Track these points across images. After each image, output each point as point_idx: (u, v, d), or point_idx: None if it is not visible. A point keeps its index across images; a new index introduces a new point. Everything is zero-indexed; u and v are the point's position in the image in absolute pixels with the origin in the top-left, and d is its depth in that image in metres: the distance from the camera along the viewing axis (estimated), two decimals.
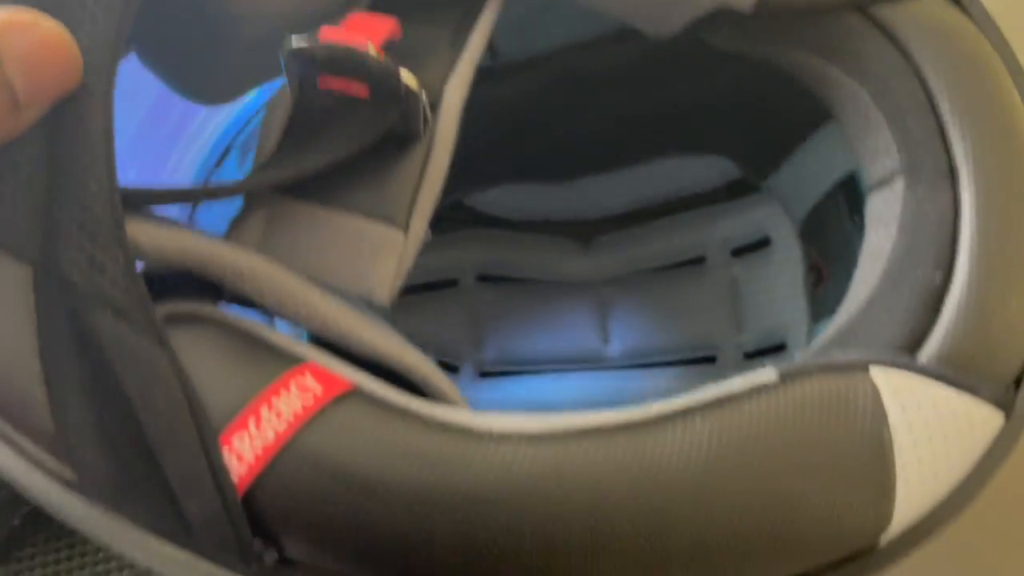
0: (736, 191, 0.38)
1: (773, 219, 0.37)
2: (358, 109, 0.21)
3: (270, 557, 0.17)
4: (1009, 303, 0.20)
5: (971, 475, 0.20)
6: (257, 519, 0.17)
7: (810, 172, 0.33)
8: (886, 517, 0.19)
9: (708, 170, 0.38)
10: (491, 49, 0.34)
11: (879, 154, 0.24)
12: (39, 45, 0.15)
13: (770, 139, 0.34)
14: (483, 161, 0.38)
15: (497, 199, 0.40)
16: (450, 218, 0.40)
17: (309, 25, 0.22)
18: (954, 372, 0.20)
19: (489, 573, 0.17)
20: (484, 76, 0.35)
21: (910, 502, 0.19)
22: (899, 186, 0.23)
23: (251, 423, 0.17)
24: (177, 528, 0.17)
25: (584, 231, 0.41)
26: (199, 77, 0.24)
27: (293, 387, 0.18)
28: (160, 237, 0.18)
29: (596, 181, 0.40)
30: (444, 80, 0.23)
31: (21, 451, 0.17)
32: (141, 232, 0.18)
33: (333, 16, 0.23)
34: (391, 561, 0.17)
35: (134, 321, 0.16)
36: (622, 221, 0.41)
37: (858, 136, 0.25)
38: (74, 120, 0.16)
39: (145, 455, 0.16)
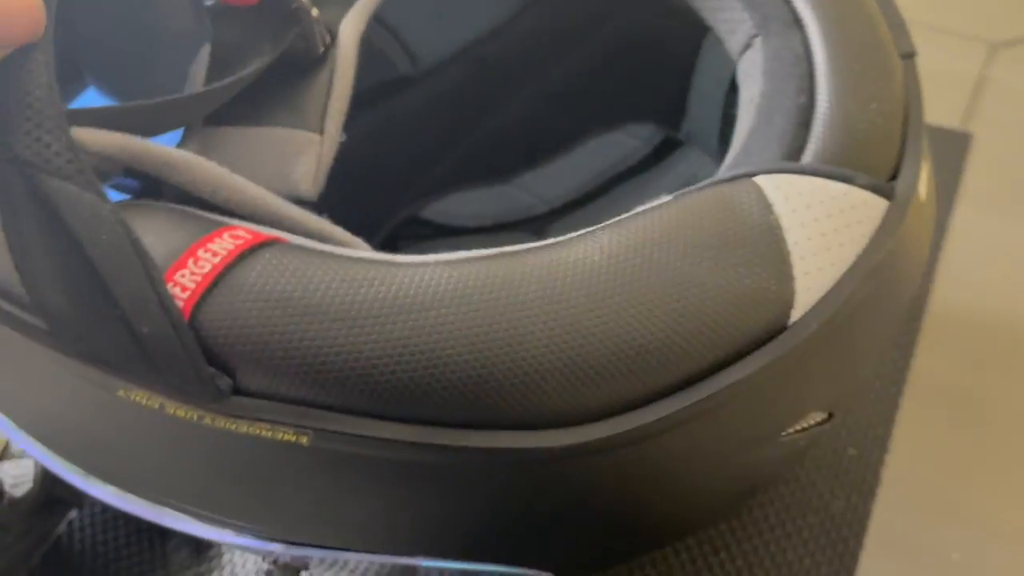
0: (664, 152, 0.41)
1: (698, 162, 0.40)
2: (261, 37, 0.25)
3: (224, 383, 0.19)
4: (868, 107, 0.23)
5: (867, 255, 0.22)
6: (208, 350, 0.19)
7: (706, 95, 0.36)
8: (789, 293, 0.21)
9: (634, 139, 0.41)
10: (410, 58, 0.38)
11: (735, 24, 0.27)
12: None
13: (667, 85, 0.37)
14: (426, 170, 0.41)
15: (449, 208, 0.43)
16: (408, 235, 0.43)
17: None
18: (829, 168, 0.22)
19: (424, 379, 0.19)
20: (408, 85, 0.39)
21: (809, 277, 0.21)
22: (757, 44, 0.26)
23: (190, 262, 0.20)
24: (136, 356, 0.19)
25: (536, 225, 0.44)
26: (143, 86, 0.28)
27: (226, 235, 0.20)
28: (101, 137, 0.21)
29: (536, 175, 0.43)
30: (341, 16, 0.27)
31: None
32: (85, 134, 0.21)
33: None
34: (334, 378, 0.19)
35: (78, 182, 0.19)
36: (569, 208, 0.43)
37: (716, 18, 0.28)
38: (23, 50, 0.20)
39: (100, 292, 0.19)
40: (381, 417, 0.20)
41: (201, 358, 0.19)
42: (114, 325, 0.19)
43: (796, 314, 0.21)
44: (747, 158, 0.24)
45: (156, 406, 0.20)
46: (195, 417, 0.20)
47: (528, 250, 0.21)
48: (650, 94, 0.39)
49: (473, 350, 0.19)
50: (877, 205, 0.22)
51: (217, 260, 0.19)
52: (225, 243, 0.20)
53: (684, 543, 0.36)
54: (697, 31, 0.29)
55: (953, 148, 0.50)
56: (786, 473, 0.31)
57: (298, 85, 0.25)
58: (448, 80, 0.38)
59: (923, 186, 0.24)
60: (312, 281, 0.20)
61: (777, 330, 0.21)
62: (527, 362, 0.20)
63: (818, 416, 0.25)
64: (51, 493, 0.36)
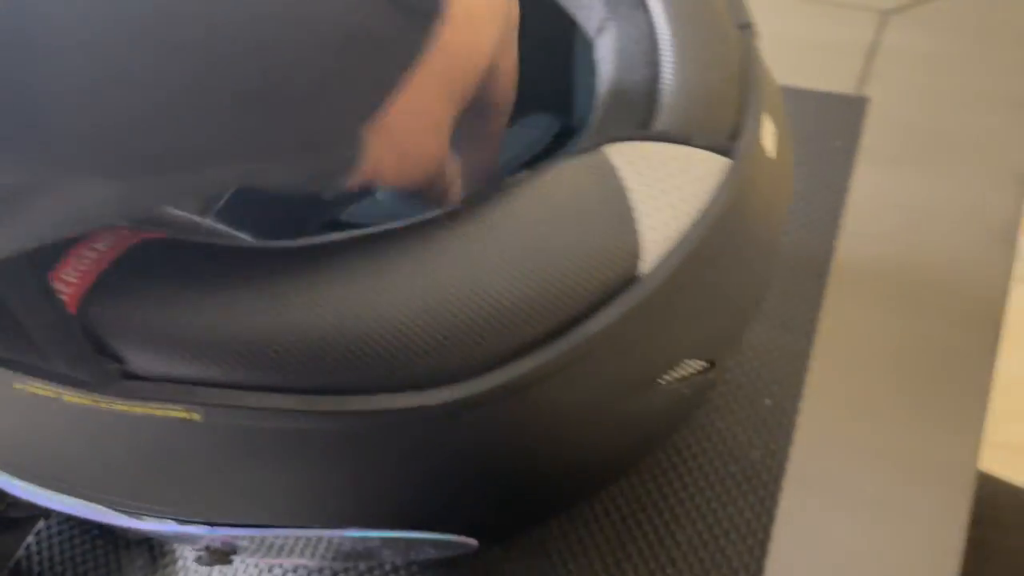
0: (563, 141, 0.43)
1: None
2: None
3: (112, 368, 0.21)
4: (706, 75, 0.26)
5: (709, 207, 0.24)
6: (96, 338, 0.21)
7: (584, 82, 0.38)
8: (636, 246, 0.23)
9: (533, 130, 0.43)
10: None
11: (589, 11, 0.29)
12: None
13: (554, 77, 0.39)
14: None
15: (366, 210, 0.45)
16: None
17: None
18: (670, 132, 0.24)
19: (300, 349, 0.21)
20: None
21: (655, 230, 0.23)
22: (609, 27, 0.28)
23: (74, 259, 0.21)
24: (27, 349, 0.20)
25: None
26: None
27: (108, 235, 0.22)
28: None
29: None
30: None
31: None
32: None
33: None
34: (215, 355, 0.21)
35: None
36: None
37: (573, 7, 0.30)
38: None
39: None
40: (265, 389, 0.21)
41: (87, 346, 0.20)
42: (10, 331, 0.20)
43: (645, 266, 0.23)
44: (601, 132, 0.26)
45: (53, 395, 0.21)
46: (91, 403, 0.21)
47: (398, 229, 0.23)
48: (541, 87, 0.41)
49: (346, 319, 0.21)
50: (717, 162, 0.24)
51: (100, 256, 0.21)
52: (107, 240, 0.21)
53: (611, 502, 0.38)
54: (570, 23, 0.31)
55: (851, 112, 0.52)
56: (680, 423, 0.33)
57: None
58: None
59: (769, 142, 0.26)
60: (190, 268, 0.21)
61: (629, 282, 0.23)
62: (397, 327, 0.21)
63: (698, 365, 0.27)
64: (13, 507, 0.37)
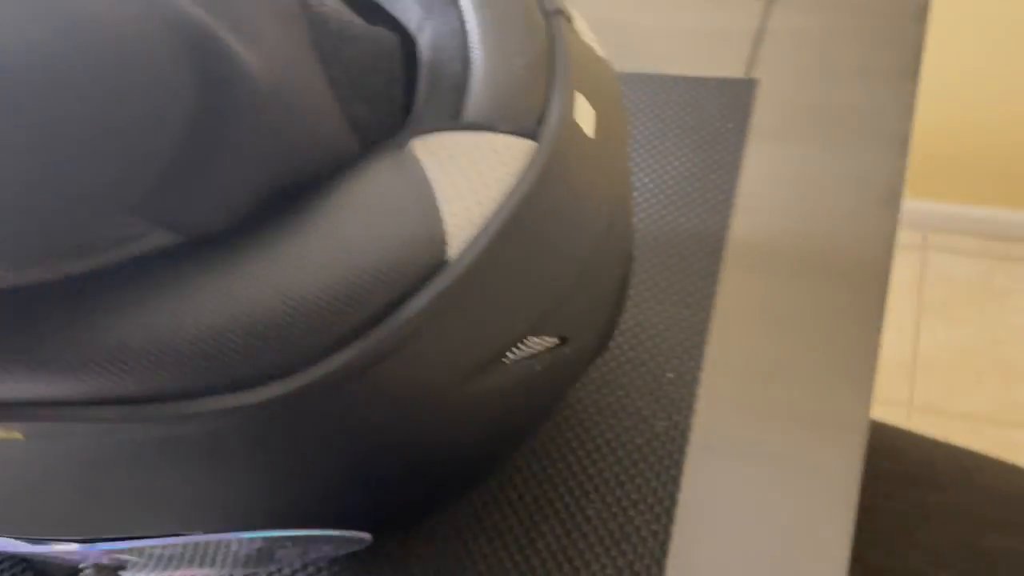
0: None
1: None
2: None
3: None
4: (512, 63, 0.26)
5: (516, 189, 0.25)
6: None
7: None
8: (441, 236, 0.24)
9: None
10: None
11: (408, 13, 0.30)
12: None
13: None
14: None
15: None
16: None
17: None
18: (473, 122, 0.25)
19: (104, 363, 0.21)
20: None
21: (458, 217, 0.24)
22: (426, 26, 0.29)
23: None
24: None
25: None
26: None
27: None
28: None
29: None
30: None
31: None
32: None
33: None
34: (20, 374, 0.21)
35: None
36: None
37: (395, 11, 0.31)
38: None
39: None
40: (83, 403, 0.22)
41: None
42: None
43: (452, 251, 0.24)
44: (412, 129, 0.26)
45: None
46: None
47: (203, 243, 0.23)
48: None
49: (150, 331, 0.21)
50: (521, 146, 0.25)
51: None
52: None
53: (523, 485, 0.39)
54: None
55: (740, 95, 0.54)
56: (552, 401, 0.34)
57: None
58: None
59: (587, 123, 0.27)
60: None
61: (438, 267, 0.24)
62: (209, 333, 0.22)
63: (547, 342, 0.28)
64: None
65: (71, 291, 0.21)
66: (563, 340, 0.28)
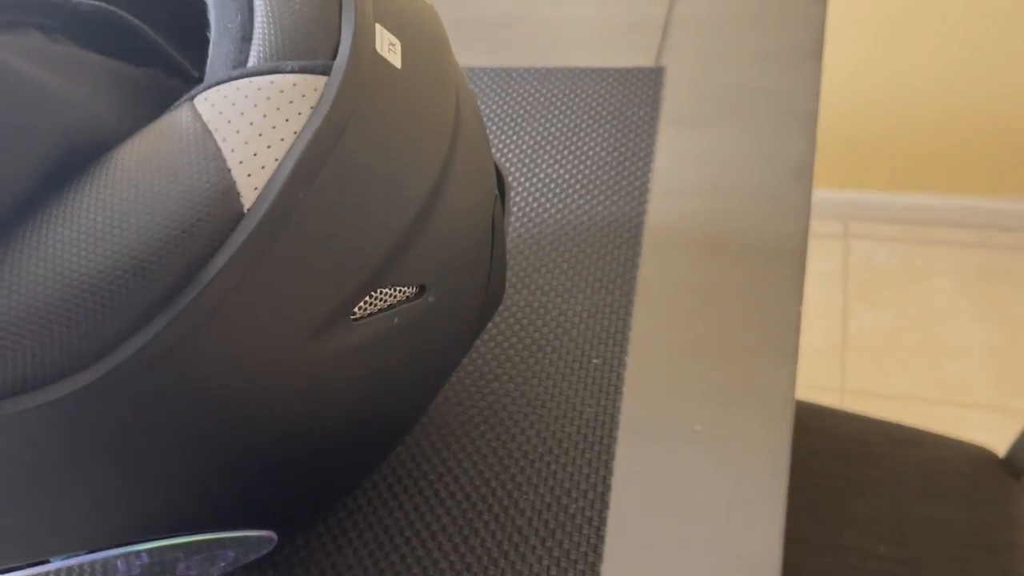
0: None
1: None
2: None
3: None
4: (297, 3, 0.25)
5: (307, 128, 0.23)
6: None
7: None
8: (230, 186, 0.22)
9: None
10: None
11: None
12: None
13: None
14: None
15: None
16: None
17: None
18: (255, 68, 0.24)
19: None
20: None
21: (245, 165, 0.22)
22: None
23: None
24: None
25: None
26: None
27: None
28: None
29: None
30: None
31: None
32: None
33: None
34: None
35: None
36: None
37: None
38: None
39: None
40: None
41: None
42: None
43: (248, 201, 0.22)
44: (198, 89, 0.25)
45: None
46: None
47: None
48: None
49: None
50: (312, 82, 0.24)
51: None
52: None
53: (455, 482, 0.38)
54: None
55: (650, 82, 0.54)
56: (436, 362, 0.31)
57: None
58: None
59: (392, 54, 0.25)
60: None
61: (235, 220, 0.22)
62: None
63: (400, 293, 0.26)
64: None
65: None
66: (421, 290, 0.27)
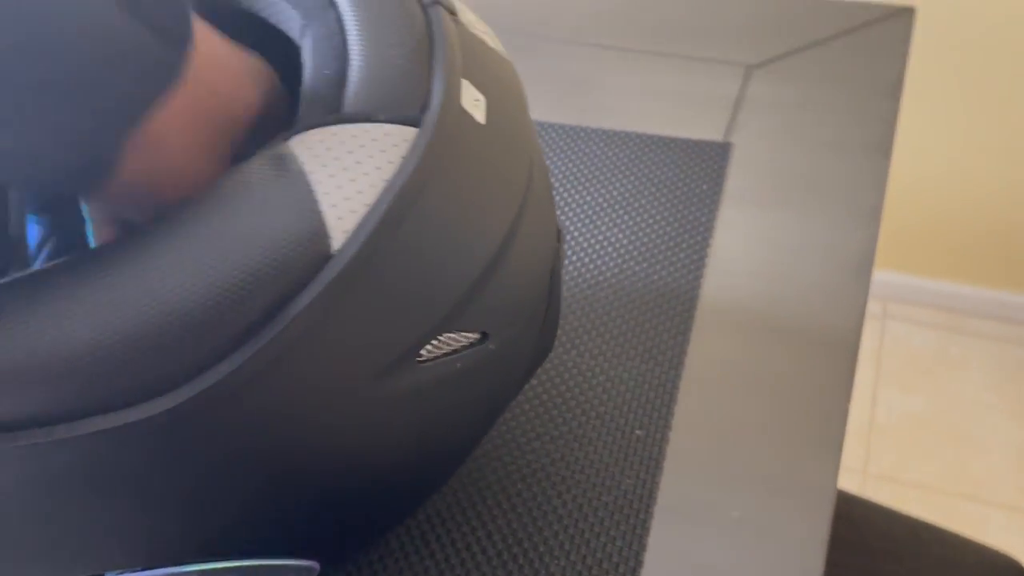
0: None
1: None
2: None
3: None
4: (389, 54, 0.26)
5: (398, 176, 0.24)
6: None
7: None
8: (322, 228, 0.23)
9: None
10: None
11: (289, 22, 0.30)
12: None
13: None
14: None
15: None
16: None
17: None
18: (350, 114, 0.25)
19: None
20: None
21: (337, 208, 0.23)
22: (307, 32, 0.29)
23: None
24: None
25: None
26: None
27: None
28: None
29: None
30: None
31: None
32: None
33: None
34: None
35: None
36: None
37: (278, 21, 0.31)
38: None
39: None
40: None
41: None
42: None
43: (336, 243, 0.23)
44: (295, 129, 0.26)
45: None
46: None
47: (80, 257, 0.23)
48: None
49: (21, 353, 0.21)
50: (403, 134, 0.25)
51: None
52: None
53: (488, 539, 0.38)
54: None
55: (716, 157, 0.54)
56: (488, 411, 0.32)
57: None
58: None
59: (477, 110, 0.27)
60: None
61: (323, 261, 0.23)
62: (88, 350, 0.21)
63: (464, 338, 0.27)
64: None
65: None
66: (483, 336, 0.28)
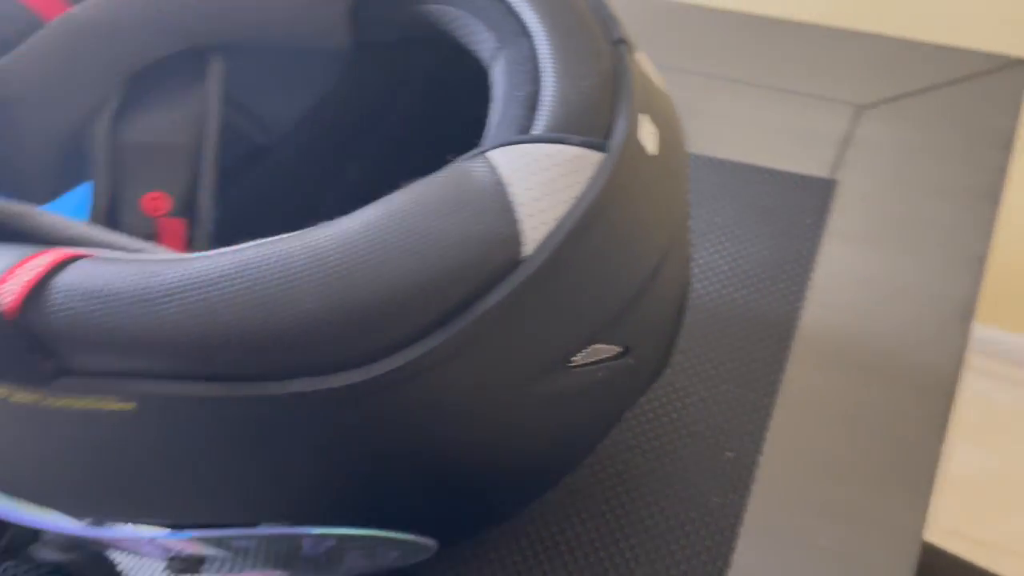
0: None
1: None
2: None
3: (51, 365, 0.23)
4: (580, 85, 0.29)
5: (585, 195, 0.26)
6: (37, 340, 0.23)
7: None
8: (517, 235, 0.25)
9: None
10: (262, 129, 0.42)
11: (483, 44, 0.32)
12: None
13: (478, 116, 0.42)
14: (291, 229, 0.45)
15: None
16: None
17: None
18: (547, 135, 0.27)
19: (215, 340, 0.23)
20: (263, 154, 0.43)
21: (533, 218, 0.26)
22: (500, 55, 0.31)
23: (16, 273, 0.23)
24: None
25: None
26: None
27: (45, 255, 0.24)
28: None
29: None
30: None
31: None
32: None
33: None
34: (141, 349, 0.23)
35: None
36: None
37: (471, 43, 0.33)
38: None
39: None
40: (189, 378, 0.23)
41: (26, 347, 0.22)
42: None
43: (527, 250, 0.25)
44: (487, 144, 0.29)
45: (3, 396, 0.23)
46: (35, 401, 0.23)
47: (300, 233, 0.25)
48: (465, 130, 0.43)
49: (252, 312, 0.23)
50: (591, 157, 0.27)
51: (36, 272, 0.23)
52: (43, 260, 0.24)
53: (575, 539, 0.40)
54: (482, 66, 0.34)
55: (821, 193, 0.55)
56: (610, 417, 0.34)
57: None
58: (299, 144, 0.43)
59: (650, 142, 0.29)
60: (114, 275, 0.24)
61: (514, 265, 0.25)
62: (299, 317, 0.23)
63: (610, 350, 0.29)
64: None
65: (186, 276, 0.23)
66: (625, 350, 0.30)
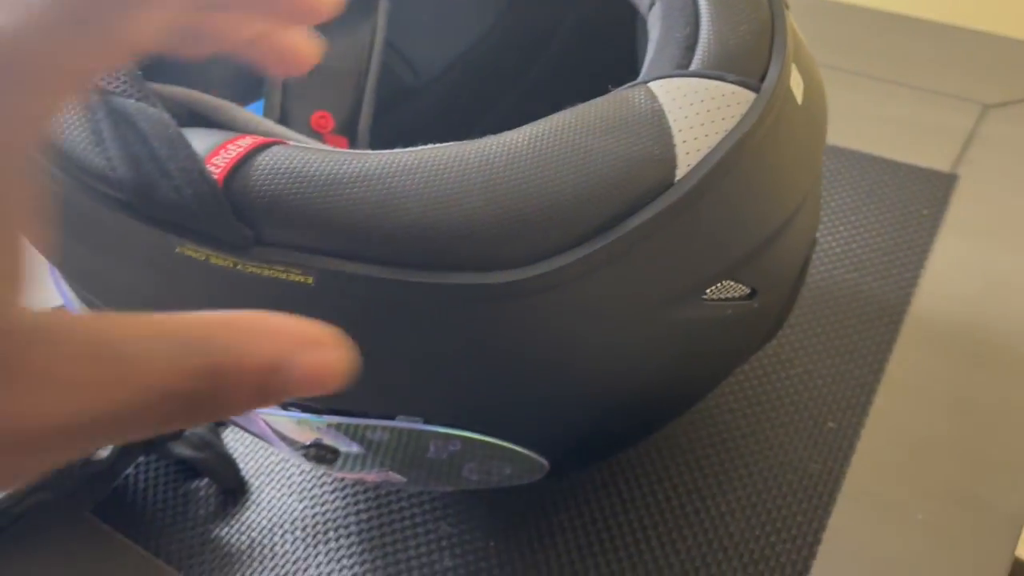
0: None
1: None
2: None
3: (248, 233, 0.25)
4: (739, 29, 0.30)
5: (736, 129, 0.27)
6: (236, 210, 0.25)
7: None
8: (672, 158, 0.27)
9: None
10: (412, 71, 0.45)
11: None
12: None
13: (624, 62, 0.43)
14: None
15: None
16: None
17: None
18: (705, 71, 0.29)
19: (390, 227, 0.25)
20: (412, 94, 0.45)
21: (687, 144, 0.27)
22: (657, 1, 0.32)
23: (221, 151, 0.26)
24: (186, 215, 0.25)
25: None
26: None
27: (246, 138, 0.27)
28: (169, 89, 0.29)
29: None
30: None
31: (90, 188, 0.25)
32: (157, 87, 0.28)
33: None
34: (326, 228, 0.25)
35: (146, 102, 0.25)
36: None
37: None
38: None
39: (160, 169, 0.25)
40: (363, 260, 0.25)
41: (231, 214, 0.25)
42: (171, 192, 0.25)
43: (680, 173, 0.27)
44: (646, 75, 0.30)
45: (203, 258, 0.25)
46: (231, 264, 0.25)
47: (472, 141, 0.27)
48: (612, 74, 0.45)
49: (426, 206, 0.25)
50: (745, 95, 0.28)
51: (240, 150, 0.26)
52: (245, 142, 0.26)
53: (672, 490, 0.41)
54: (632, 11, 0.35)
55: (941, 186, 0.55)
56: (731, 359, 0.35)
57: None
58: (445, 88, 0.45)
59: (797, 90, 0.30)
60: (307, 160, 0.26)
61: (666, 186, 0.27)
62: (467, 214, 0.25)
63: (740, 290, 0.30)
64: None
65: (368, 169, 0.26)
66: (753, 292, 0.31)
